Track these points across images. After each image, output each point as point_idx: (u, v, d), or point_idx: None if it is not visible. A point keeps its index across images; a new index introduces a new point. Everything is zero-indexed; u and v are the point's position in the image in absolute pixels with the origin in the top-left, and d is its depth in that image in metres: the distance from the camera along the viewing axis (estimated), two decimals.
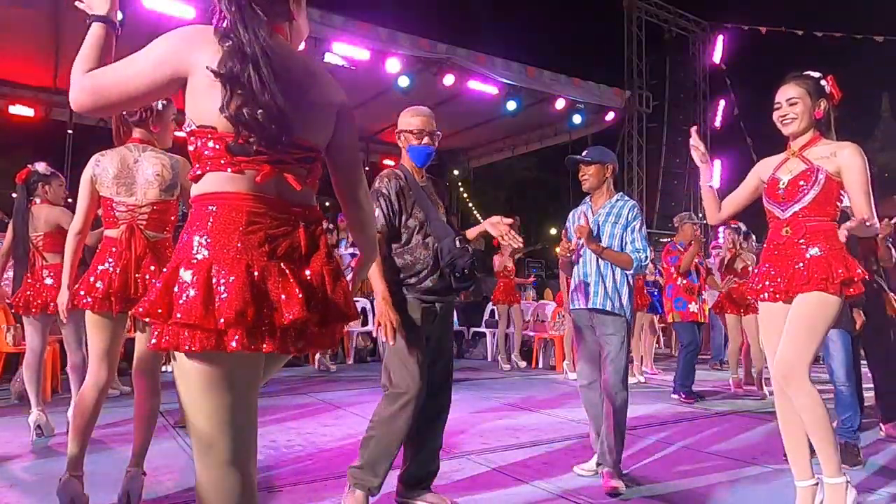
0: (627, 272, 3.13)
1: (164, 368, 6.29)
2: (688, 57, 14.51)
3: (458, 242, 2.57)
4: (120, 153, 2.63)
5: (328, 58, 8.10)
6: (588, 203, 3.33)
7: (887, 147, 25.03)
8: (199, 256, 1.27)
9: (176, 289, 1.26)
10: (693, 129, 2.85)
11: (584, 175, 3.26)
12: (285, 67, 1.37)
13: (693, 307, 5.76)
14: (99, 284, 2.49)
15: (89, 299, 2.50)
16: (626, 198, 3.28)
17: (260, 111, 1.29)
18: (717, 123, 14.86)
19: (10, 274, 4.51)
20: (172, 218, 2.74)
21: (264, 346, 1.28)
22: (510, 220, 2.64)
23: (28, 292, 3.82)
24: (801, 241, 2.44)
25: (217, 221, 1.30)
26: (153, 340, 1.29)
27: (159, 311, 1.26)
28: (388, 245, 2.62)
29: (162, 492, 2.77)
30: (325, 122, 1.48)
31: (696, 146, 2.78)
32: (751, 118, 14.37)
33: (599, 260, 3.14)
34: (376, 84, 9.10)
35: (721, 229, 6.58)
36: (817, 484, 2.43)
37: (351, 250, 9.07)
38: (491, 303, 8.36)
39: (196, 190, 1.35)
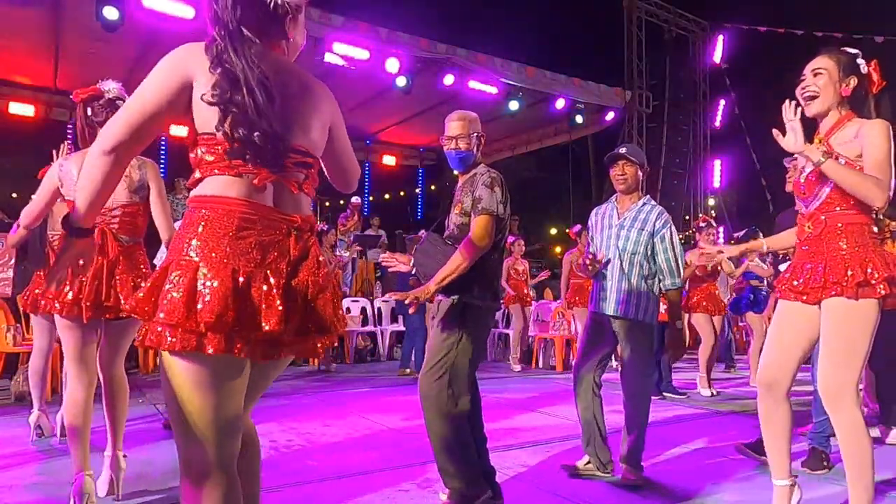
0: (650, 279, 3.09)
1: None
2: (688, 57, 14.48)
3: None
4: (84, 156, 2.54)
5: (328, 58, 8.10)
6: (614, 203, 3.20)
7: None
8: (188, 258, 1.30)
9: (164, 288, 1.29)
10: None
11: (622, 174, 3.10)
12: (282, 84, 1.41)
13: (664, 308, 5.80)
14: (68, 290, 2.40)
15: (58, 305, 2.44)
16: (653, 202, 3.16)
17: (256, 133, 1.33)
18: (717, 123, 14.85)
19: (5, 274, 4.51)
20: (142, 222, 2.68)
21: (237, 350, 1.31)
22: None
23: (37, 291, 3.80)
24: (827, 237, 2.21)
25: (208, 225, 1.32)
26: (139, 338, 1.32)
27: (146, 308, 1.30)
28: None
29: (152, 486, 2.78)
30: (321, 130, 1.53)
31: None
32: (751, 118, 14.38)
33: (618, 264, 3.06)
34: (376, 84, 9.10)
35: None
36: (794, 484, 2.39)
37: (347, 253, 9.08)
38: (503, 305, 8.32)
39: (194, 193, 1.38)
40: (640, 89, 12.52)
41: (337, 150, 1.63)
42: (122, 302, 2.45)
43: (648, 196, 3.20)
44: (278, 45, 1.49)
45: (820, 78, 2.24)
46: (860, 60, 2.25)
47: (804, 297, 2.27)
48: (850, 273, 2.12)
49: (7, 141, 9.67)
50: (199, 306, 1.26)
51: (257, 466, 1.61)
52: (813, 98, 2.25)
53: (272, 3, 1.41)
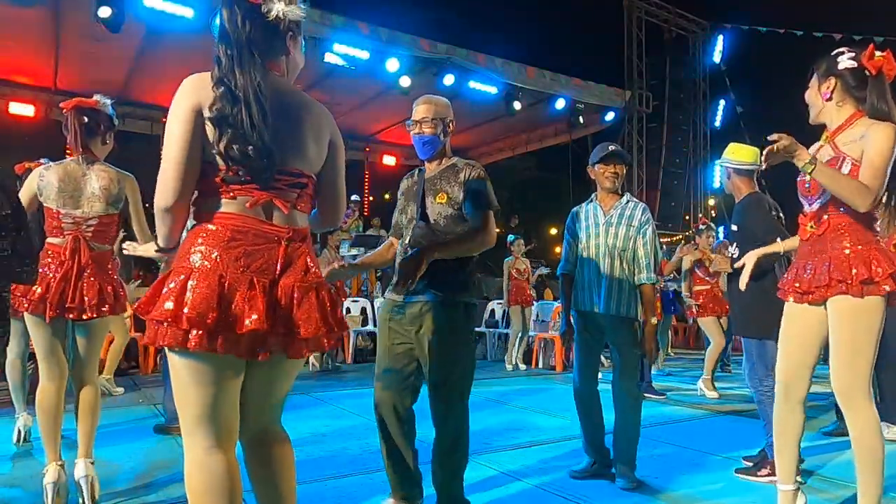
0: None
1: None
2: (688, 57, 14.52)
3: (410, 241, 2.43)
4: (65, 166, 2.69)
5: (328, 58, 8.10)
6: (596, 203, 3.22)
7: None
8: (185, 265, 1.45)
9: (163, 291, 1.43)
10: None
11: (615, 172, 3.15)
12: (280, 103, 1.52)
13: None
14: (37, 289, 2.53)
15: (26, 303, 2.55)
16: (635, 199, 3.22)
17: (250, 147, 1.44)
18: (717, 123, 14.87)
19: None
20: (115, 231, 2.82)
21: (219, 346, 1.42)
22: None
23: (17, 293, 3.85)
24: (830, 237, 2.21)
25: (207, 236, 1.47)
26: (144, 336, 1.50)
27: (148, 309, 1.44)
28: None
29: (154, 488, 2.78)
30: (318, 150, 1.62)
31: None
32: (751, 118, 14.39)
33: (608, 261, 3.06)
34: (376, 84, 9.11)
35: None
36: (798, 489, 2.39)
37: (353, 252, 9.07)
38: (506, 305, 8.25)
39: (195, 212, 1.53)
40: (640, 89, 12.54)
41: (330, 175, 1.69)
42: (86, 304, 2.59)
43: (628, 193, 3.27)
44: (279, 63, 1.59)
45: (807, 92, 2.36)
46: (841, 58, 2.24)
47: (809, 297, 2.26)
48: (854, 271, 2.12)
49: (7, 141, 9.66)
50: (186, 308, 1.38)
51: (283, 468, 1.70)
52: (811, 110, 2.37)
53: (276, 20, 1.51)
